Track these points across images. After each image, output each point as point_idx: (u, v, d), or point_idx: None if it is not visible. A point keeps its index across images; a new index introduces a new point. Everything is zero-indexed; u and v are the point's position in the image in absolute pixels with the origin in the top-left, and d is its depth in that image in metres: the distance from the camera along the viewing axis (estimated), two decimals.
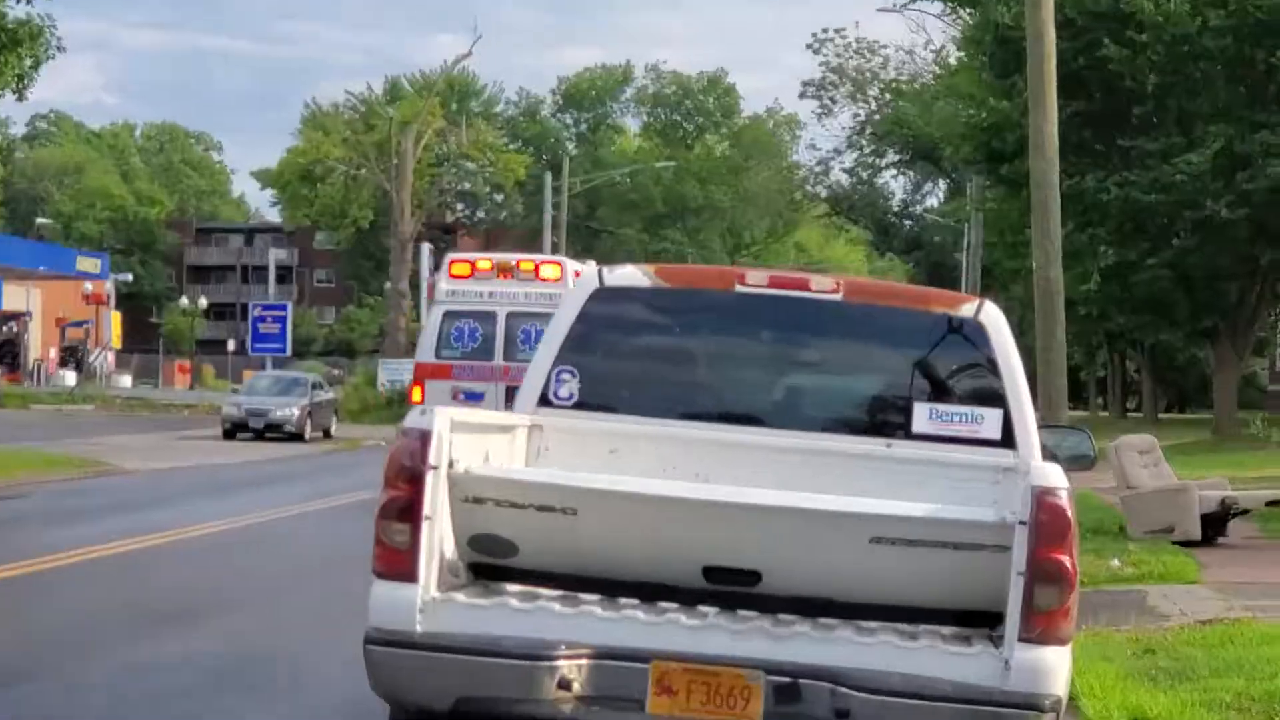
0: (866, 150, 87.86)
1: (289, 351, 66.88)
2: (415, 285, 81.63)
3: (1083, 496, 25.22)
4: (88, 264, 75.21)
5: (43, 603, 14.38)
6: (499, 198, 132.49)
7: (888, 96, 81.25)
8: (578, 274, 27.66)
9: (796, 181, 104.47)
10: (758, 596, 7.22)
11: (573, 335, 8.61)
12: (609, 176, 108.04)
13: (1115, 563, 17.57)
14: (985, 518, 6.93)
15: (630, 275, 8.81)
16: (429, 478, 6.85)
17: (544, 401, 8.60)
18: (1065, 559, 6.67)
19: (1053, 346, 19.98)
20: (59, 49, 32.63)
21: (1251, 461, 35.63)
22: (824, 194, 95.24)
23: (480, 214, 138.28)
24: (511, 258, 25.41)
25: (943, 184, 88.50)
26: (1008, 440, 8.43)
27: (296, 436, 47.14)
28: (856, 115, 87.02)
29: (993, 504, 7.76)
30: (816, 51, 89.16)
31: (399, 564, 6.87)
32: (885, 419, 8.63)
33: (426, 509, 6.85)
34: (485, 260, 25.01)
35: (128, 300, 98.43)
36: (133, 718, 9.76)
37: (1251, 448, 40.04)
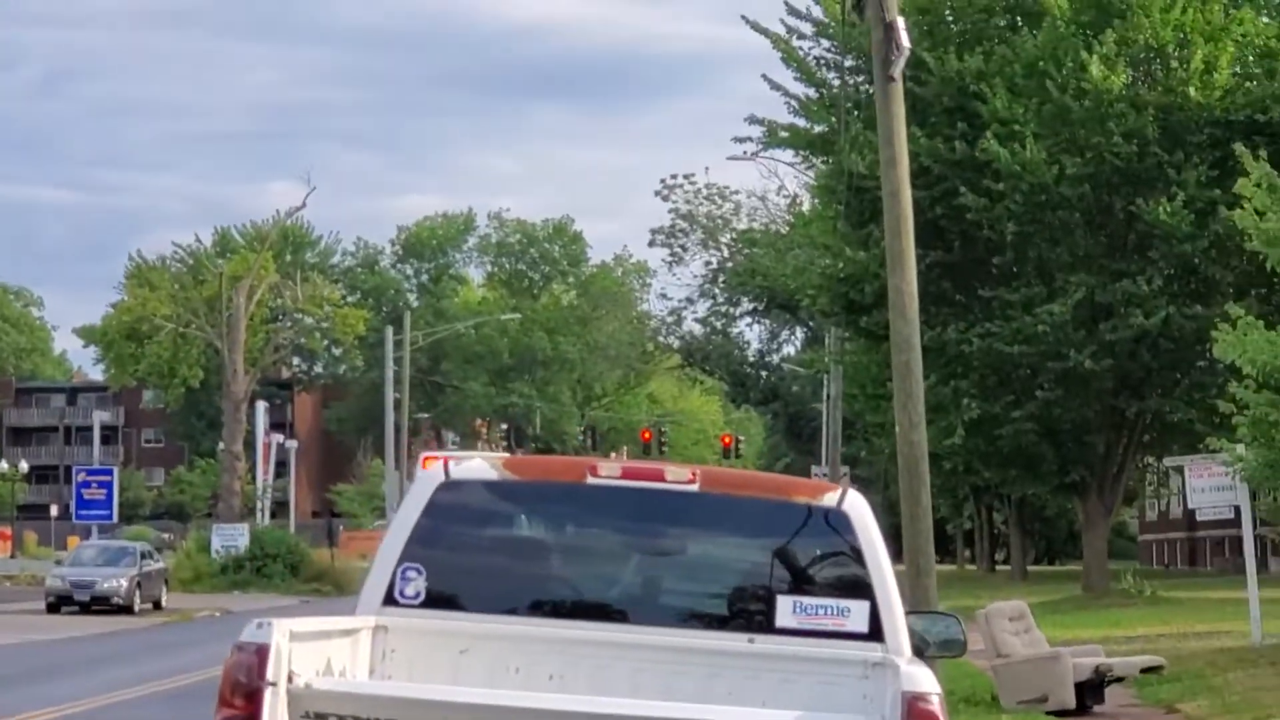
0: (720, 299, 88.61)
1: (115, 518, 66.05)
2: (250, 445, 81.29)
3: (955, 664, 25.36)
4: None
5: None
6: (337, 352, 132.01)
7: (740, 244, 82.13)
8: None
9: (648, 332, 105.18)
10: None
11: (419, 530, 8.58)
12: (452, 329, 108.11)
13: None
14: None
15: (478, 468, 8.81)
16: (267, 695, 6.77)
17: (389, 601, 8.54)
18: None
19: (918, 513, 20.09)
20: None
21: (1125, 619, 36.00)
22: (676, 344, 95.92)
23: (319, 369, 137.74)
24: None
25: (800, 332, 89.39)
26: (875, 633, 8.47)
27: (125, 609, 46.58)
28: (708, 263, 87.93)
29: (862, 699, 7.78)
30: (665, 198, 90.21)
31: None
32: (747, 613, 8.64)
33: None
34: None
35: None
36: None
37: (1123, 604, 40.52)
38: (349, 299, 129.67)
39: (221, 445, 72.60)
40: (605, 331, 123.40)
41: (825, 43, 46.15)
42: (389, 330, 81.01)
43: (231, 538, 63.25)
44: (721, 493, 8.71)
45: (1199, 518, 28.30)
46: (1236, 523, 58.76)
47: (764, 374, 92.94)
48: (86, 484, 64.13)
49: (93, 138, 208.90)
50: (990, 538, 77.83)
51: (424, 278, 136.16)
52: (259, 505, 77.40)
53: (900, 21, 19.73)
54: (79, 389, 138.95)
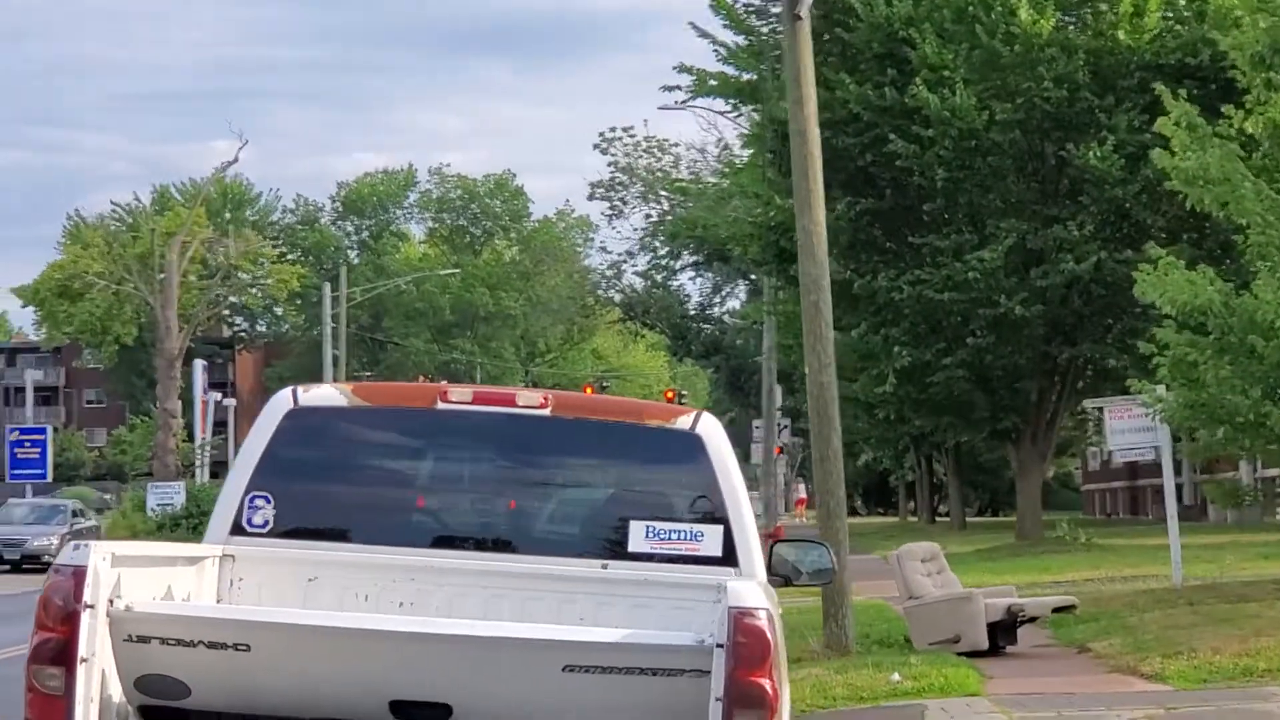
0: (661, 253, 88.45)
1: (49, 477, 65.68)
2: (189, 403, 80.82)
3: (875, 607, 25.46)
4: None
5: None
6: (279, 310, 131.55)
7: (679, 196, 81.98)
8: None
9: (589, 286, 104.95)
10: None
11: (267, 459, 8.50)
12: (391, 285, 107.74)
13: (895, 677, 17.63)
14: (682, 642, 6.89)
15: (327, 395, 8.73)
16: (84, 618, 6.68)
17: (237, 530, 8.47)
18: (765, 682, 6.64)
19: (828, 455, 20.06)
20: None
21: (1056, 565, 36.10)
22: (617, 298, 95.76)
23: (262, 327, 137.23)
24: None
25: (743, 285, 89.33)
26: (729, 557, 8.42)
27: None
28: (649, 216, 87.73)
29: (712, 623, 7.74)
30: (604, 151, 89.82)
31: (53, 713, 6.67)
32: (600, 539, 8.60)
33: (83, 651, 6.67)
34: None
35: None
36: None
37: (1056, 550, 40.63)
38: (289, 256, 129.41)
39: (157, 404, 72.20)
40: (548, 287, 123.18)
41: None
42: (326, 287, 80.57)
43: (167, 496, 62.85)
44: (574, 417, 8.65)
45: (1118, 460, 28.34)
46: (1178, 471, 59.19)
47: (705, 327, 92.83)
48: (20, 443, 63.76)
49: (35, 96, 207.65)
50: (930, 488, 78.02)
51: (364, 234, 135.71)
52: (197, 463, 77.08)
53: None
54: (18, 349, 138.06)
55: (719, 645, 6.62)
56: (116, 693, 7.00)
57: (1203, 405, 23.73)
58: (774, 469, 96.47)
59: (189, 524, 61.66)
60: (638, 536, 8.46)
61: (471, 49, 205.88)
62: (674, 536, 8.46)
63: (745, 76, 46.70)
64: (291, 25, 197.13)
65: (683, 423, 8.61)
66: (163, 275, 66.66)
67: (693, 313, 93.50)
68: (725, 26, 46.25)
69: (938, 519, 75.48)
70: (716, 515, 8.46)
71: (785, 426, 72.74)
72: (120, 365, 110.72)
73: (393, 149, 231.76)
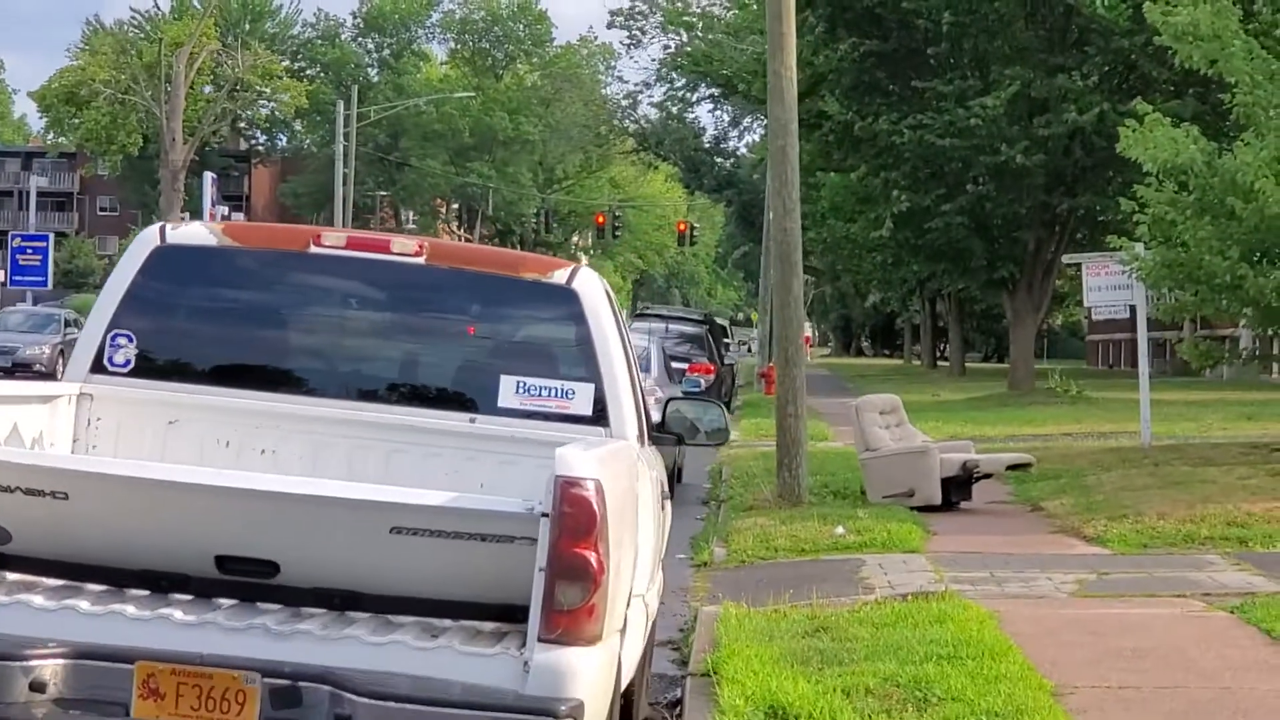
0: (678, 84, 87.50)
1: (50, 284, 65.54)
2: (197, 215, 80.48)
3: (845, 456, 25.32)
4: None
5: None
6: (298, 126, 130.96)
7: (685, 30, 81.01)
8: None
9: (603, 116, 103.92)
10: (277, 588, 6.97)
11: (130, 297, 8.32)
12: (407, 105, 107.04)
13: (840, 530, 17.55)
14: (510, 508, 6.72)
15: (196, 233, 8.53)
16: None
17: (97, 368, 8.31)
18: (590, 554, 6.47)
19: (789, 302, 19.86)
20: None
21: (1039, 417, 36.12)
22: (631, 129, 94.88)
23: (283, 141, 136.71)
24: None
25: (760, 120, 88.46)
26: (599, 416, 8.26)
27: (48, 375, 46.40)
28: (667, 48, 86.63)
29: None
30: None
31: None
32: (470, 393, 8.44)
33: None
34: None
35: None
36: None
37: (1045, 402, 40.61)
38: (308, 73, 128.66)
39: (158, 216, 72.07)
40: (567, 114, 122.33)
41: None
42: (340, 104, 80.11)
43: None
44: (449, 266, 8.46)
45: (1094, 316, 28.09)
46: (1178, 327, 58.78)
47: (719, 161, 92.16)
48: (21, 249, 63.52)
49: None
50: (933, 333, 77.79)
51: (386, 53, 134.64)
52: None
53: None
54: (34, 154, 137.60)
55: (544, 514, 6.45)
56: None
57: (1180, 265, 23.50)
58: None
59: None
60: (508, 391, 8.29)
61: None
62: (545, 393, 8.30)
63: None
64: None
65: (559, 276, 8.42)
66: (169, 86, 66.13)
67: (707, 146, 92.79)
68: None
69: (940, 363, 75.30)
70: (589, 373, 8.28)
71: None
72: (134, 174, 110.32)
73: None
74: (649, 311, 50.96)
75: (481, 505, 6.77)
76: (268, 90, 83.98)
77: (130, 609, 6.63)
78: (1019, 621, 12.51)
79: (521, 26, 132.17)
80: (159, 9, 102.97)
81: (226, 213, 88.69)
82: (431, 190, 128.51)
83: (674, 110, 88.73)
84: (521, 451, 8.22)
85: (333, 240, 8.40)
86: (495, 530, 6.74)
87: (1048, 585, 14.56)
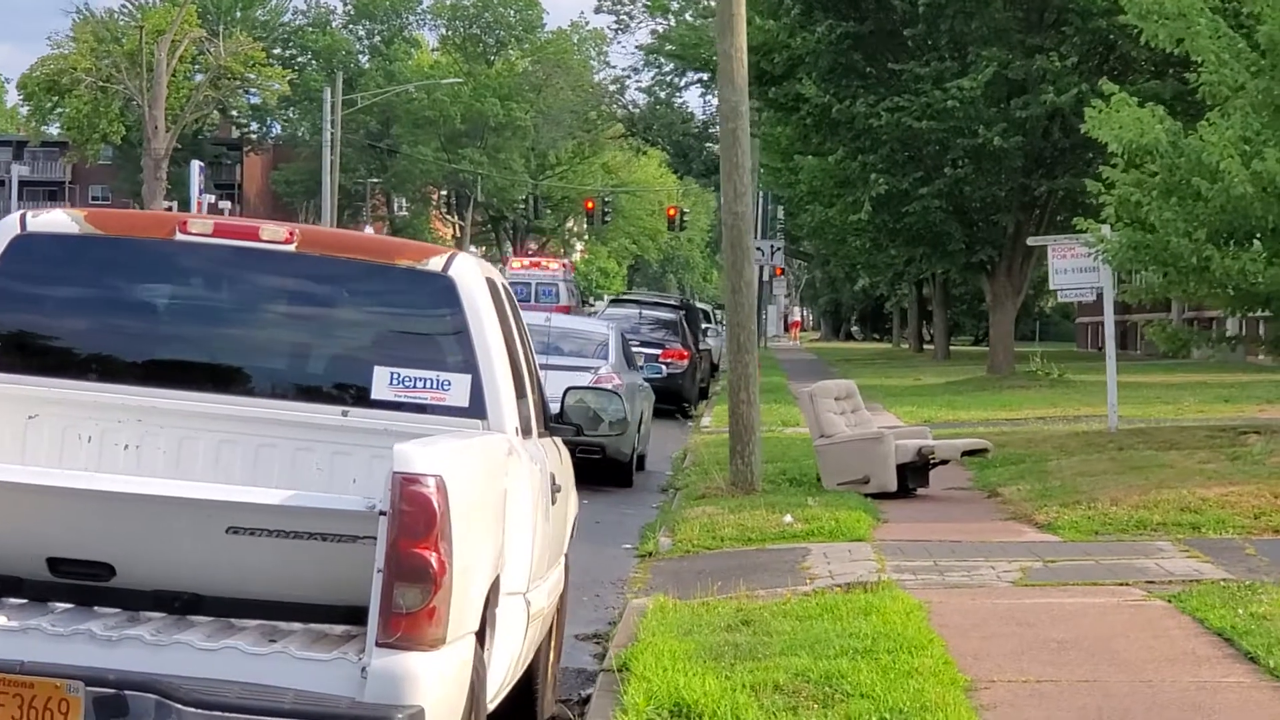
0: (665, 69, 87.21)
1: None
2: (186, 204, 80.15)
3: (807, 442, 25.00)
4: None
5: None
6: (292, 113, 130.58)
7: (651, 11, 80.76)
8: (565, 264, 67.61)
9: (590, 100, 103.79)
10: (114, 591, 6.69)
11: None
12: (398, 91, 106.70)
13: (787, 519, 17.27)
14: (349, 506, 6.45)
15: (58, 221, 8.24)
16: None
17: None
18: (429, 554, 6.20)
19: (740, 287, 19.56)
20: None
21: (1015, 401, 35.85)
22: (619, 114, 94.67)
23: (278, 129, 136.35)
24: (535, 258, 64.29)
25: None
26: (477, 408, 7.98)
27: None
28: (654, 32, 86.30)
29: None
30: None
31: None
32: (343, 384, 8.17)
33: None
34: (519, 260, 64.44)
35: None
36: None
37: (1024, 385, 40.33)
38: (299, 60, 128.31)
39: (143, 204, 71.83)
40: (559, 99, 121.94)
41: None
42: (327, 91, 79.70)
43: None
44: (320, 254, 8.18)
45: (1060, 299, 27.83)
46: (1167, 305, 58.46)
47: (708, 146, 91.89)
48: None
49: None
50: (920, 316, 77.50)
51: (376, 39, 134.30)
52: None
53: None
54: (24, 143, 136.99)
55: (382, 513, 6.17)
56: None
57: (1147, 247, 23.19)
58: (774, 290, 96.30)
59: None
60: (381, 383, 8.01)
61: None
62: (419, 384, 8.01)
63: None
64: None
65: (435, 264, 8.13)
66: (151, 73, 65.78)
67: (696, 131, 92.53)
68: None
69: (926, 347, 75.04)
70: (465, 363, 8.01)
71: (778, 248, 72.27)
72: (127, 162, 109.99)
73: None
74: (624, 297, 50.79)
75: (320, 503, 6.50)
76: (253, 77, 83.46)
77: None
78: (950, 613, 12.24)
79: (512, 12, 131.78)
80: None
81: (214, 200, 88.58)
82: (423, 177, 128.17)
83: (662, 95, 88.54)
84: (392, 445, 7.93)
85: (199, 227, 8.12)
86: (336, 529, 6.47)
87: (990, 574, 14.30)
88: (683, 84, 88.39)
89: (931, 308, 72.07)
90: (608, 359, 23.74)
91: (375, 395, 8.01)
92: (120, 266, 8.18)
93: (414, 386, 8.00)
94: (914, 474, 20.07)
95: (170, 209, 74.37)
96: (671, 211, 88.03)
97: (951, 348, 71.22)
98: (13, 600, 6.65)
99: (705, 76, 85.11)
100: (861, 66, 42.46)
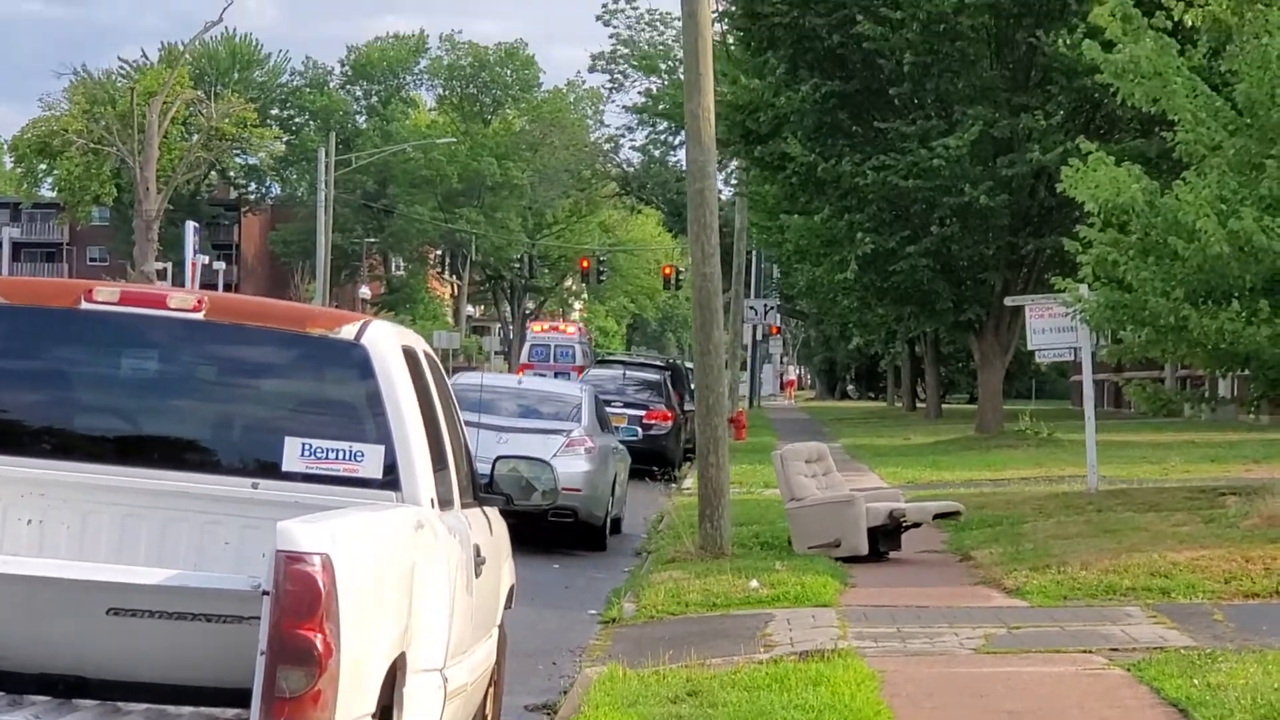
0: (660, 128, 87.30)
1: None
2: (181, 265, 79.92)
3: (775, 507, 24.77)
4: None
5: None
6: (292, 174, 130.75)
7: (641, 71, 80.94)
8: (580, 329, 77.04)
9: (585, 159, 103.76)
10: None
11: None
12: (394, 151, 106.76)
13: (753, 584, 17.04)
14: (233, 586, 6.23)
15: None
16: None
17: None
18: (314, 636, 5.97)
19: (709, 349, 19.37)
20: None
21: (1000, 460, 35.61)
22: (614, 172, 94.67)
23: (276, 189, 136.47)
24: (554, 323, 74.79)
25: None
26: (390, 480, 7.77)
27: None
28: (648, 91, 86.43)
29: None
30: (607, 23, 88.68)
31: None
32: (253, 456, 7.95)
33: None
34: (540, 324, 73.13)
35: None
36: None
37: (1011, 445, 40.07)
38: (296, 120, 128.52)
39: (137, 267, 71.69)
40: (556, 158, 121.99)
41: None
42: (321, 151, 79.74)
43: None
44: (230, 322, 7.97)
45: (1038, 359, 27.61)
46: (1160, 366, 58.17)
47: None
48: None
49: None
50: (913, 375, 77.29)
51: (374, 100, 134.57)
52: None
53: None
54: (20, 204, 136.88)
55: (265, 592, 5.95)
56: None
57: (1124, 306, 22.99)
58: (769, 349, 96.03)
59: None
60: (292, 454, 7.79)
61: None
62: (332, 455, 7.80)
63: None
64: None
65: (347, 331, 7.93)
66: (143, 135, 65.73)
67: None
68: None
69: (919, 405, 74.81)
70: (379, 434, 7.80)
71: (773, 306, 72.09)
72: (124, 223, 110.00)
73: (425, 13, 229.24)
74: (610, 358, 50.70)
75: (202, 583, 6.29)
76: (249, 138, 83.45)
77: None
78: (904, 682, 12.01)
79: (509, 72, 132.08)
80: (147, 59, 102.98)
81: (208, 261, 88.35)
82: (420, 236, 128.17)
83: (655, 154, 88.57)
84: None
85: (105, 295, 7.92)
86: (220, 610, 6.25)
87: (953, 641, 14.08)
88: (676, 142, 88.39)
89: (925, 366, 71.88)
90: (580, 421, 23.52)
91: (286, 467, 7.80)
92: (24, 336, 7.97)
93: (326, 458, 7.79)
94: (886, 537, 19.83)
95: (163, 270, 74.32)
96: (667, 270, 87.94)
97: (945, 405, 70.96)
98: None
99: None
100: (847, 125, 42.32)
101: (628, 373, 40.05)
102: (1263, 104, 21.83)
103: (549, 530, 21.94)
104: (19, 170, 79.91)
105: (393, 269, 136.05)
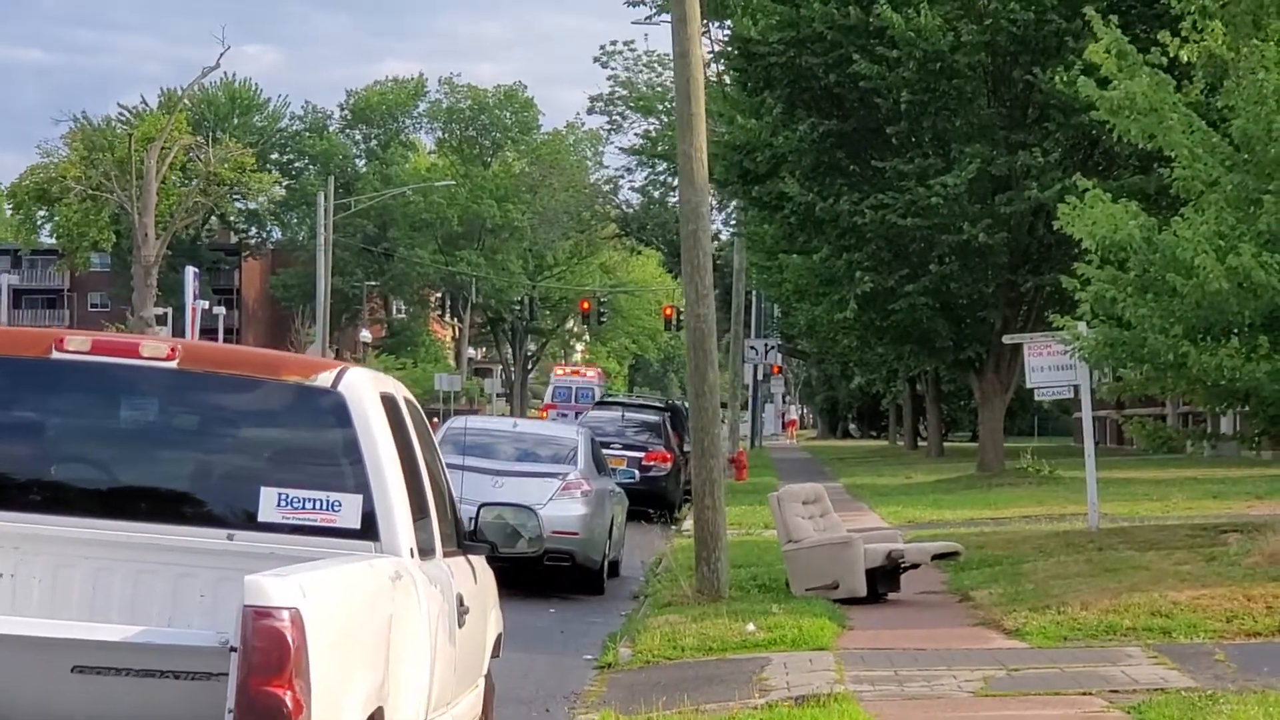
0: (659, 169, 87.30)
1: None
2: (181, 310, 79.85)
3: (772, 549, 24.61)
4: None
5: None
6: (294, 218, 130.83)
7: (638, 111, 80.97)
8: (599, 372, 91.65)
9: (585, 200, 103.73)
10: None
11: None
12: (394, 194, 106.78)
13: (750, 628, 16.87)
14: (199, 642, 6.07)
15: None
16: None
17: None
18: (284, 693, 5.82)
19: (704, 391, 19.22)
20: None
21: (1001, 499, 35.43)
22: (613, 214, 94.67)
23: (278, 234, 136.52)
24: (575, 367, 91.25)
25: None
26: (369, 530, 7.62)
27: None
28: (647, 132, 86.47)
29: None
30: (605, 65, 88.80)
31: None
32: (228, 507, 7.80)
33: None
34: (562, 369, 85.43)
35: None
36: None
37: (1013, 483, 39.90)
38: (296, 164, 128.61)
39: (138, 313, 71.56)
40: (556, 200, 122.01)
41: None
42: (320, 195, 79.69)
43: None
44: (203, 370, 7.83)
45: (1037, 397, 27.49)
46: (1162, 403, 57.98)
47: None
48: None
49: None
50: (914, 413, 77.18)
51: (373, 143, 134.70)
52: None
53: None
54: (18, 250, 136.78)
55: (234, 649, 5.79)
56: None
57: (1123, 344, 22.86)
58: (771, 388, 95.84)
59: None
60: (269, 505, 7.65)
61: None
62: (309, 505, 7.66)
63: None
64: None
65: (323, 379, 7.79)
66: (140, 181, 65.70)
67: None
68: None
69: (921, 444, 74.69)
70: (357, 483, 7.66)
71: (773, 346, 71.95)
72: (124, 269, 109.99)
73: (431, 57, 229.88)
74: (609, 400, 50.63)
75: (169, 639, 6.14)
76: (250, 183, 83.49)
77: None
78: None
79: (508, 114, 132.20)
80: (146, 105, 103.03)
81: (208, 306, 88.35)
82: (420, 279, 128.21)
83: (655, 195, 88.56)
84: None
85: (76, 345, 7.78)
86: (188, 667, 6.10)
87: (951, 684, 13.93)
88: (674, 183, 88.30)
89: (926, 404, 71.79)
90: (576, 464, 23.37)
91: (262, 518, 7.66)
92: None
93: (303, 508, 7.66)
94: (884, 578, 19.67)
95: (163, 315, 74.20)
96: (668, 311, 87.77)
97: (947, 444, 70.85)
98: None
99: None
100: (845, 164, 42.24)
101: (626, 414, 39.91)
102: (1259, 139, 21.71)
103: (545, 574, 21.80)
104: (18, 217, 79.85)
105: (394, 312, 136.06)
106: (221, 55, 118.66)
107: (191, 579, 7.65)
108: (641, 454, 36.39)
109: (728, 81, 46.23)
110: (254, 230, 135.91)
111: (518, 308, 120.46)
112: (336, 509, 7.63)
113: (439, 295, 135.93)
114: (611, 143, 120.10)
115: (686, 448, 41.51)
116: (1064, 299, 42.66)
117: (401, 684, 7.24)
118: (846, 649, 15.99)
